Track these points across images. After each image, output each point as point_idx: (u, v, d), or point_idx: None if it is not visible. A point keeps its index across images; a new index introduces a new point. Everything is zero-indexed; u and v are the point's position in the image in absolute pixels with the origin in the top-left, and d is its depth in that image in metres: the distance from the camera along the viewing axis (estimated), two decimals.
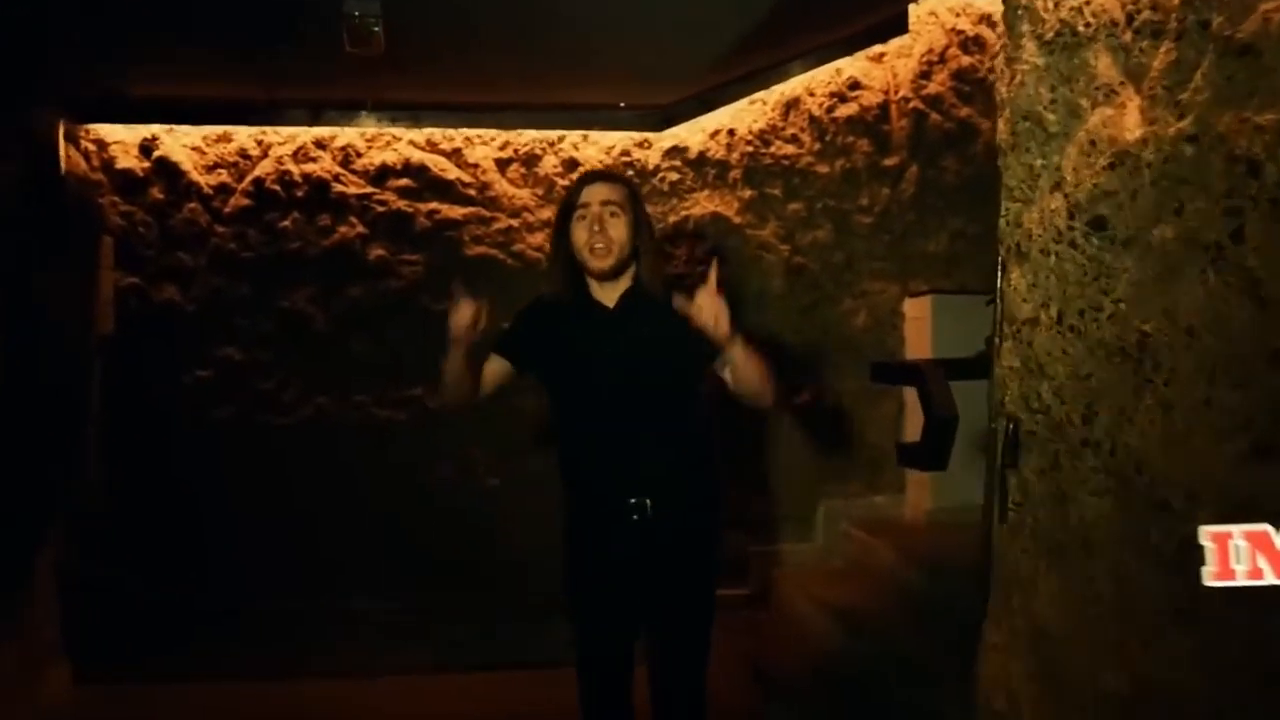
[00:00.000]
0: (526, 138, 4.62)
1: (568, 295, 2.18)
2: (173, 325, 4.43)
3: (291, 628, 3.96)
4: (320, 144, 4.53)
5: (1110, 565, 1.37)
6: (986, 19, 3.93)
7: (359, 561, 4.37)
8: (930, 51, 4.16)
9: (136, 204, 4.42)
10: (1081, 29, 1.40)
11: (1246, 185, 1.13)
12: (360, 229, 4.54)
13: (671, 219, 4.56)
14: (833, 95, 4.41)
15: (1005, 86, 1.60)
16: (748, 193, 4.54)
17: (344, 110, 4.50)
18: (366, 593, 4.33)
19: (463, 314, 2.01)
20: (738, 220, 4.54)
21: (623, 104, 4.55)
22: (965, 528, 2.26)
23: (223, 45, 3.66)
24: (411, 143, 4.57)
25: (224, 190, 4.48)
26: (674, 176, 4.61)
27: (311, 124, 4.51)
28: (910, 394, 3.55)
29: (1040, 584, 1.53)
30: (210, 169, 4.47)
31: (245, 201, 4.48)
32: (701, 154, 4.59)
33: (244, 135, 4.49)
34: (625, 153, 4.63)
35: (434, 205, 4.58)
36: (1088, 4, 1.39)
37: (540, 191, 4.62)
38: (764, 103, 4.51)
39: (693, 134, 4.60)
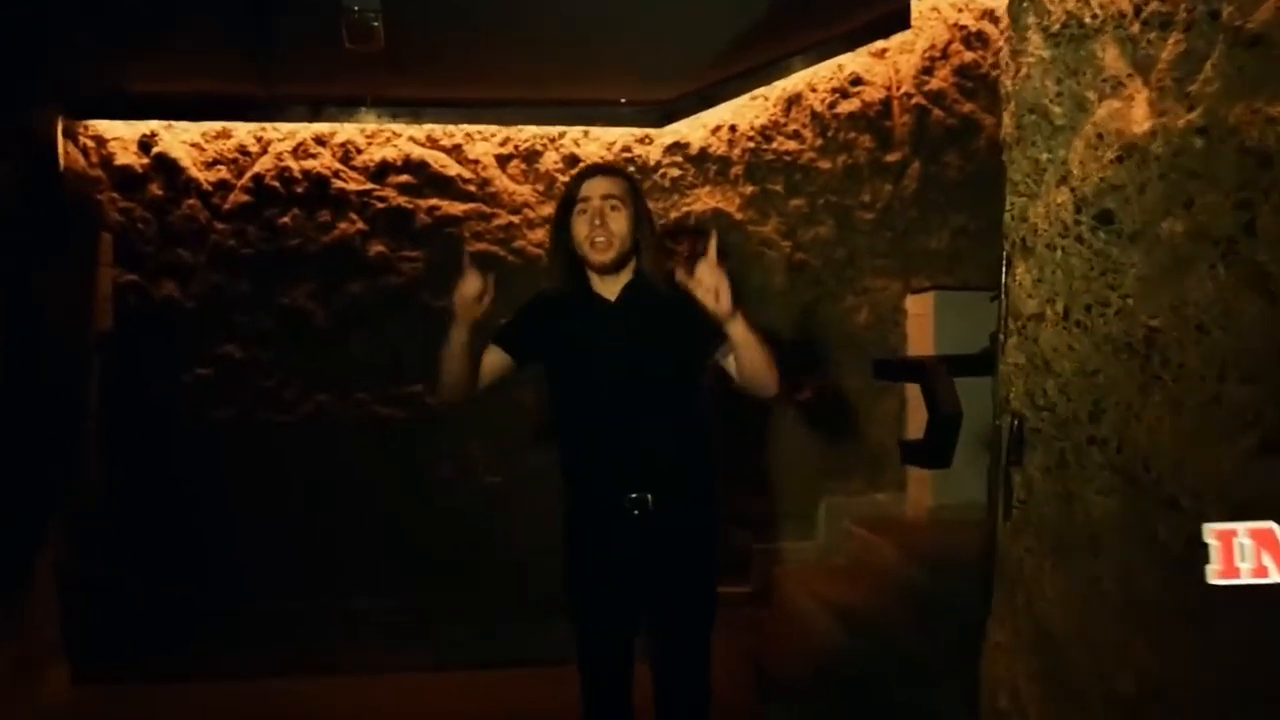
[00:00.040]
0: (527, 134, 4.60)
1: (569, 289, 2.17)
2: (172, 322, 4.41)
3: (291, 627, 3.95)
4: (320, 140, 4.51)
5: (1117, 564, 1.35)
6: (989, 14, 3.92)
7: (359, 561, 4.36)
8: (933, 47, 4.15)
9: (135, 200, 4.40)
10: (1088, 20, 1.39)
11: (1258, 178, 1.11)
12: (360, 225, 4.52)
13: (673, 215, 4.54)
14: (834, 91, 4.40)
15: (1010, 79, 1.58)
16: (749, 189, 4.52)
17: (344, 106, 4.48)
18: (366, 592, 4.32)
19: (470, 284, 2.00)
20: (739, 216, 4.53)
21: (624, 100, 4.53)
22: (968, 525, 2.26)
23: (222, 41, 3.65)
24: (411, 139, 4.56)
25: (223, 187, 4.47)
26: (675, 172, 4.59)
27: (311, 120, 4.49)
28: (913, 391, 3.55)
29: (1045, 582, 1.51)
30: (209, 165, 4.46)
31: (245, 198, 4.47)
32: (703, 150, 4.57)
33: (243, 131, 4.47)
34: (626, 148, 4.62)
35: (434, 201, 4.56)
36: None
37: (541, 188, 4.60)
38: (765, 99, 4.50)
39: (694, 130, 4.58)
